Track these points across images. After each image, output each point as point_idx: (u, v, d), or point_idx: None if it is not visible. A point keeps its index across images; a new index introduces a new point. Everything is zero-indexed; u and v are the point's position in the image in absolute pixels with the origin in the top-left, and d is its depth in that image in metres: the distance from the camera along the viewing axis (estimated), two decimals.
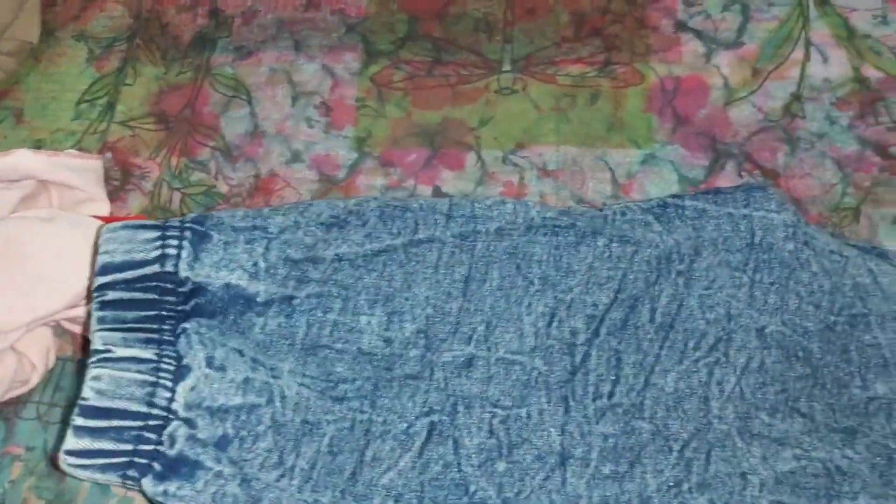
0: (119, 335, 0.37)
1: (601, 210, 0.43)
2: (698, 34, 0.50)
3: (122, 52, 0.54)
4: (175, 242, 0.39)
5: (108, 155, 0.50)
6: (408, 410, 0.39)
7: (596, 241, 0.41)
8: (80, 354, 0.45)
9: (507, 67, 0.51)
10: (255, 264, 0.40)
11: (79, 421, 0.36)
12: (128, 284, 0.38)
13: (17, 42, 0.52)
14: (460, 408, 0.40)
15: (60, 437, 0.42)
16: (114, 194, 0.49)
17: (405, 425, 0.39)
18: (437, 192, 0.48)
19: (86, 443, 0.36)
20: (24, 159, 0.45)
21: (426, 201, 0.42)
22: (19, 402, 0.43)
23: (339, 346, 0.40)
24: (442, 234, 0.41)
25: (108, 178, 0.49)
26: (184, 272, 0.38)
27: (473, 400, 0.40)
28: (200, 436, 0.36)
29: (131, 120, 0.51)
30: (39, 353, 0.43)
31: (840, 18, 0.50)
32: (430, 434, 0.39)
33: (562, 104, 0.49)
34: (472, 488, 0.38)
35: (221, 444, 0.36)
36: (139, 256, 0.38)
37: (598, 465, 0.38)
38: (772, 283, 0.40)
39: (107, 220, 0.45)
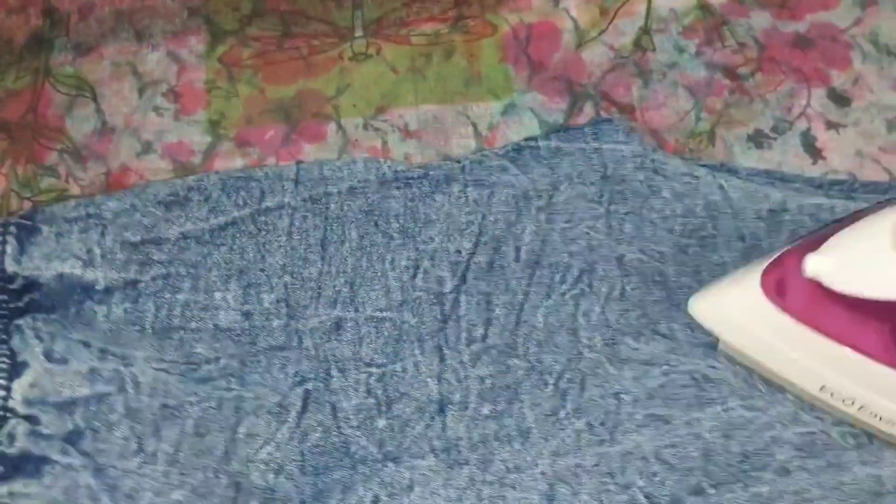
0: None
1: (458, 162, 0.43)
2: None
3: None
4: None
5: None
6: (280, 382, 0.39)
7: (451, 187, 0.41)
8: None
9: (359, 33, 0.50)
10: (90, 251, 0.38)
11: None
12: None
13: None
14: (334, 372, 0.39)
15: None
16: None
17: (279, 398, 0.38)
18: None
19: None
20: None
21: (272, 169, 0.41)
22: None
23: (193, 325, 0.39)
24: (292, 200, 0.41)
25: None
26: (10, 267, 0.37)
27: (347, 362, 0.39)
28: (45, 431, 0.35)
29: None
30: None
31: None
32: (305, 403, 0.38)
33: (417, 64, 0.49)
34: (353, 448, 0.38)
35: (71, 437, 0.35)
36: None
37: (476, 406, 0.38)
38: (627, 213, 0.41)
39: None
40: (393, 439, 0.38)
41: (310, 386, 0.39)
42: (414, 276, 0.40)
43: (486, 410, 0.39)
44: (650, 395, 0.38)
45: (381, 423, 0.38)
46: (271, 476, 0.37)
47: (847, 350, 0.35)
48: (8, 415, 0.35)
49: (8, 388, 0.35)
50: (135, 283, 0.39)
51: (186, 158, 0.47)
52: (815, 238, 0.35)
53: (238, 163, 0.47)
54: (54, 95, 0.49)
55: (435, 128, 0.47)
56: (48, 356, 0.36)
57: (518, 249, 0.40)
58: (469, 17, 0.50)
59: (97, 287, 0.38)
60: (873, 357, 0.35)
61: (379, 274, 0.40)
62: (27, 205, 0.46)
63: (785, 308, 0.36)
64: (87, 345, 0.37)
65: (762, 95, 0.46)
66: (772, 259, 0.36)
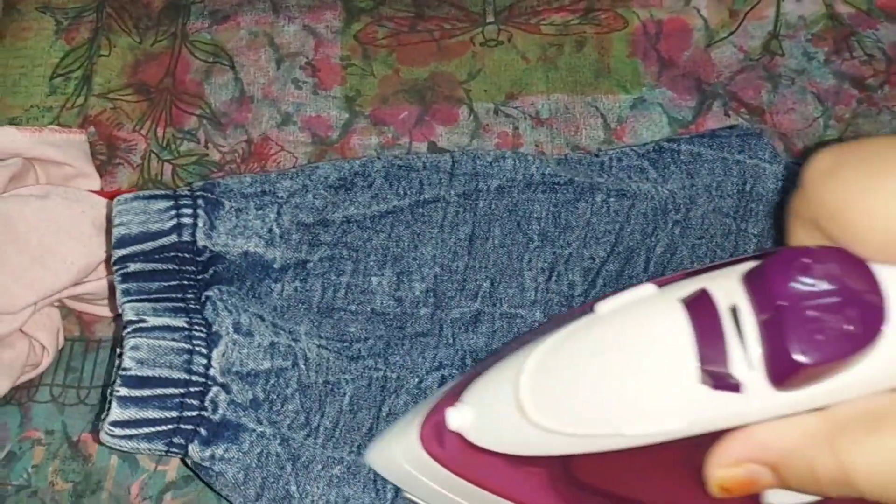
0: (148, 305, 0.37)
1: (597, 156, 0.44)
2: None
3: (91, 23, 0.52)
4: (189, 211, 0.38)
5: (91, 129, 0.49)
6: (419, 366, 0.40)
7: (594, 196, 0.42)
8: (88, 332, 0.44)
9: (490, 19, 0.51)
10: (270, 230, 0.39)
11: (122, 391, 0.35)
12: (146, 256, 0.37)
13: None
14: (468, 361, 0.41)
15: (101, 412, 0.42)
16: (101, 169, 0.47)
17: (417, 380, 0.40)
18: (433, 148, 0.48)
19: (131, 413, 0.35)
20: (8, 137, 0.43)
21: (429, 159, 0.42)
22: (31, 385, 0.43)
23: (352, 307, 0.41)
24: (446, 194, 0.42)
25: (93, 153, 0.47)
26: (201, 241, 0.38)
27: (480, 353, 0.41)
28: (237, 399, 0.36)
29: (110, 92, 0.50)
30: (49, 334, 0.42)
31: None
32: (440, 387, 0.40)
33: (548, 53, 0.50)
34: None
35: (254, 407, 0.37)
36: (155, 227, 0.38)
37: None
38: (756, 234, 0.42)
39: (102, 194, 0.44)
40: None
41: (446, 372, 0.41)
42: (549, 279, 0.42)
43: None
44: None
45: None
46: None
47: (501, 500, 0.33)
48: (210, 382, 0.36)
49: (208, 357, 0.36)
50: (304, 263, 0.40)
51: (325, 133, 0.48)
52: (461, 384, 0.33)
53: (374, 140, 0.48)
54: (192, 61, 0.51)
55: (566, 117, 0.48)
56: (236, 328, 0.37)
57: (648, 260, 0.42)
58: (599, 9, 0.51)
59: (275, 265, 0.39)
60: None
61: (517, 272, 0.42)
62: (167, 167, 0.48)
63: (443, 461, 0.33)
64: (262, 319, 0.38)
65: (890, 108, 0.47)
66: (430, 406, 0.34)
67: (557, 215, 0.42)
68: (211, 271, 0.38)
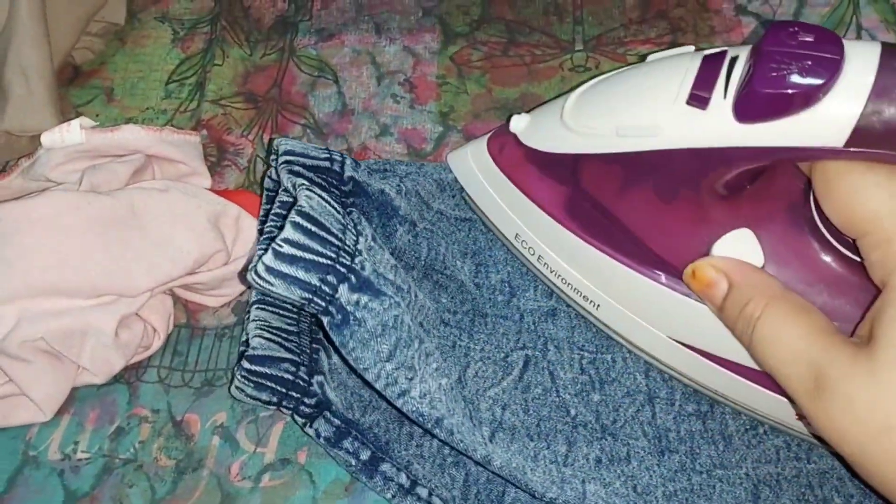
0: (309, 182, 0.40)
1: None
2: (758, 17, 0.54)
3: (205, 34, 0.56)
4: (338, 156, 0.42)
5: (204, 132, 0.52)
6: (503, 344, 0.43)
7: None
8: (194, 321, 0.47)
9: (579, 47, 0.54)
10: (399, 184, 0.44)
11: (297, 219, 0.36)
12: (304, 167, 0.41)
13: (104, 24, 0.54)
14: (550, 346, 0.43)
15: (186, 399, 0.44)
16: (211, 170, 0.51)
17: (503, 354, 0.43)
18: None
19: (300, 237, 0.36)
20: (133, 134, 0.47)
21: None
22: (140, 366, 0.45)
23: (448, 272, 0.44)
24: None
25: (205, 155, 0.51)
26: (348, 172, 0.42)
27: (562, 342, 0.44)
28: (379, 271, 0.38)
29: (222, 99, 0.53)
30: (161, 319, 0.45)
31: (888, 4, 0.54)
32: (525, 364, 0.43)
33: None
34: (573, 412, 0.42)
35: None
36: (313, 153, 0.42)
37: (681, 404, 0.42)
38: None
39: (220, 193, 0.47)
40: (608, 415, 0.42)
41: (529, 352, 0.43)
42: None
43: (690, 409, 0.42)
44: None
45: (596, 397, 0.42)
46: (498, 410, 0.41)
47: (531, 203, 0.41)
48: (357, 253, 0.37)
49: (357, 238, 0.38)
50: (415, 224, 0.44)
51: (419, 145, 0.51)
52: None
53: None
54: (298, 74, 0.54)
55: None
56: (374, 238, 0.39)
57: None
58: (683, 43, 0.54)
59: (400, 212, 0.43)
60: (547, 212, 0.40)
61: None
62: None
63: (497, 161, 0.42)
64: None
65: None
66: (503, 122, 0.43)
67: None
68: (351, 200, 0.42)
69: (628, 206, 0.39)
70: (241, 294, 0.47)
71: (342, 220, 0.38)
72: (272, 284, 0.35)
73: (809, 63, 0.30)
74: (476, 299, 0.44)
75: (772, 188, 0.36)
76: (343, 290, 0.36)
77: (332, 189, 0.41)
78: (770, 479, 0.41)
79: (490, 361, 0.43)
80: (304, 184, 0.39)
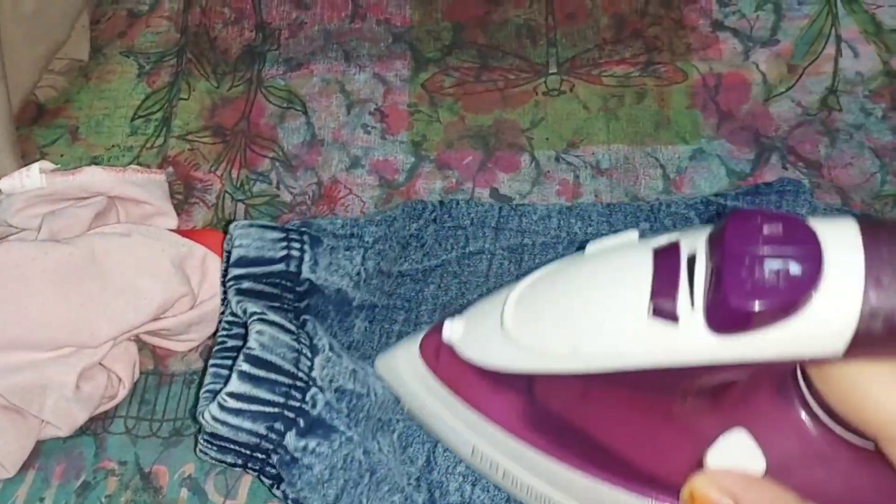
0: (265, 304, 0.39)
1: (648, 203, 0.46)
2: (735, 32, 0.53)
3: (171, 67, 0.54)
4: (298, 245, 0.41)
5: (170, 169, 0.51)
6: None
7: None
8: (162, 366, 0.46)
9: (553, 70, 0.53)
10: (359, 273, 0.42)
11: (244, 367, 0.37)
12: (256, 279, 0.40)
13: (67, 60, 0.53)
14: None
15: (154, 450, 0.43)
16: (178, 208, 0.49)
17: None
18: (495, 194, 0.49)
19: (247, 388, 0.37)
20: (95, 176, 0.45)
21: (477, 214, 0.46)
22: (106, 416, 0.44)
23: None
24: (491, 247, 0.45)
25: (171, 193, 0.49)
26: (306, 273, 0.41)
27: None
28: (332, 403, 0.38)
29: (188, 134, 0.52)
30: (126, 367, 0.44)
31: (867, 15, 0.52)
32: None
33: (609, 104, 0.51)
34: None
35: (344, 414, 0.38)
36: (269, 254, 0.41)
37: None
38: None
39: (182, 233, 0.46)
40: None
41: None
42: None
43: None
44: None
45: None
46: (468, 488, 0.40)
47: (486, 420, 0.36)
48: (311, 383, 0.38)
49: (312, 360, 0.38)
50: (374, 307, 0.43)
51: (391, 176, 0.50)
52: (465, 305, 0.37)
53: (438, 185, 0.50)
54: (266, 106, 0.53)
55: (625, 168, 0.50)
56: (331, 348, 0.39)
57: None
58: (660, 62, 0.52)
59: (354, 304, 0.42)
60: (506, 428, 0.35)
61: None
62: (240, 207, 0.50)
63: (436, 372, 0.37)
64: (347, 348, 0.40)
65: None
66: (433, 325, 0.37)
67: None
68: (305, 303, 0.41)
69: (600, 418, 0.34)
70: (209, 338, 0.46)
71: (297, 346, 0.38)
72: (219, 430, 0.37)
73: (786, 264, 0.25)
74: None
75: (758, 375, 0.31)
76: (290, 437, 0.37)
77: (286, 296, 0.40)
78: None
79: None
80: (255, 314, 0.38)
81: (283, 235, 0.41)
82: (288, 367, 0.37)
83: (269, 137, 0.52)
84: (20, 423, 0.41)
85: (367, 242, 0.42)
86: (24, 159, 0.49)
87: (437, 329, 0.37)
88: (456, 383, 0.36)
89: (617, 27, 0.54)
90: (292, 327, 0.38)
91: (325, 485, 0.37)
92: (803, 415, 0.30)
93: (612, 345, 0.30)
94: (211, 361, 0.40)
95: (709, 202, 0.46)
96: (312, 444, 0.37)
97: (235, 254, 0.40)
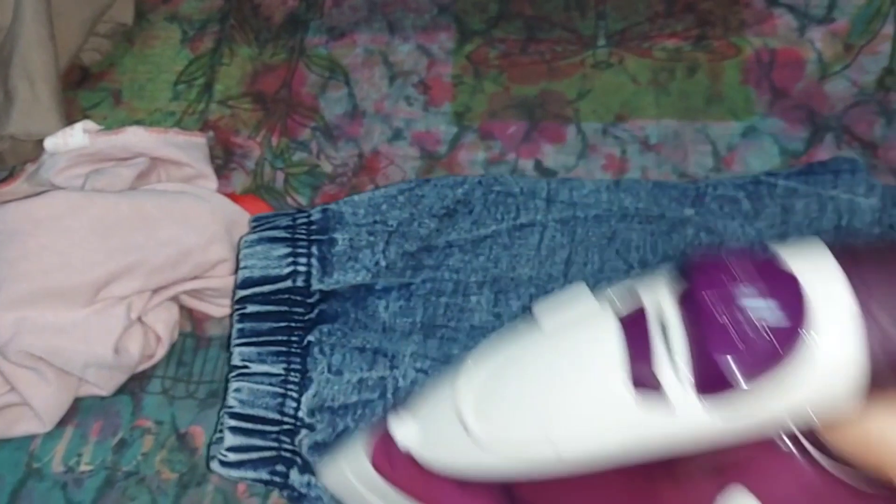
0: (255, 350, 0.41)
1: (695, 182, 0.45)
2: (790, 9, 0.51)
3: (215, 34, 0.54)
4: (304, 260, 0.42)
5: (211, 133, 0.51)
6: None
7: (685, 229, 0.43)
8: (199, 330, 0.45)
9: (602, 42, 0.52)
10: (377, 263, 0.43)
11: (231, 423, 0.39)
12: (264, 297, 0.42)
13: (112, 24, 0.53)
14: None
15: (190, 411, 0.43)
16: (217, 172, 0.49)
17: None
18: (539, 167, 0.48)
19: (240, 440, 0.39)
20: (137, 137, 0.45)
21: (527, 185, 0.45)
22: (144, 377, 0.44)
23: (452, 324, 0.43)
24: (543, 219, 0.44)
25: (211, 156, 0.49)
26: (315, 286, 0.42)
27: None
28: (318, 438, 0.39)
29: (229, 99, 0.52)
30: (166, 327, 0.44)
31: None
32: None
33: (660, 78, 0.50)
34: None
35: (342, 437, 0.39)
36: (274, 272, 0.42)
37: None
38: None
39: (234, 198, 0.45)
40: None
41: None
42: None
43: None
44: None
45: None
46: None
47: None
48: (298, 424, 0.40)
49: (298, 401, 0.40)
50: (408, 285, 0.43)
51: (433, 147, 0.49)
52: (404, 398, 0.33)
53: (480, 156, 0.49)
54: (308, 75, 0.52)
55: (674, 143, 0.48)
56: (329, 368, 0.41)
57: None
58: (712, 37, 0.51)
59: (377, 287, 0.42)
60: None
61: None
62: (279, 175, 0.50)
63: (394, 481, 0.32)
64: (362, 350, 0.41)
65: None
66: (381, 422, 0.32)
67: (655, 245, 0.44)
68: (317, 311, 0.42)
69: None
70: None
71: (281, 390, 0.40)
72: (231, 477, 0.39)
73: (767, 303, 0.22)
74: (493, 333, 0.42)
75: None
76: (293, 474, 0.39)
77: (295, 310, 0.42)
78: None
79: None
80: (235, 368, 0.40)
81: (289, 251, 0.42)
82: (272, 415, 0.40)
83: (311, 107, 0.51)
84: (61, 378, 0.41)
85: (391, 226, 0.43)
86: (69, 121, 0.49)
87: (383, 437, 0.31)
88: (420, 489, 0.31)
89: (669, 0, 0.53)
90: (279, 369, 0.40)
91: None
92: (801, 460, 0.27)
93: (593, 437, 0.26)
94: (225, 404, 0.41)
95: (759, 181, 0.45)
96: (314, 479, 0.39)
97: (241, 276, 0.42)
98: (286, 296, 0.42)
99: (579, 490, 0.29)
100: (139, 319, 0.43)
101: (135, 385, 0.44)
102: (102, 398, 0.43)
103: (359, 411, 0.40)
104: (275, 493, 0.40)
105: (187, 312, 0.46)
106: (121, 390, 0.43)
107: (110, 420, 0.43)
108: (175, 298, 0.45)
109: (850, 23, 0.51)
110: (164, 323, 0.44)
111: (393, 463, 0.31)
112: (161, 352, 0.44)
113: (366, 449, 0.32)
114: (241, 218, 0.45)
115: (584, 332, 0.27)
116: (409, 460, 0.30)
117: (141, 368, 0.44)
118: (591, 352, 0.26)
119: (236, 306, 0.41)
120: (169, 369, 0.44)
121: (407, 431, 0.30)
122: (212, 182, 0.48)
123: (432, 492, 0.31)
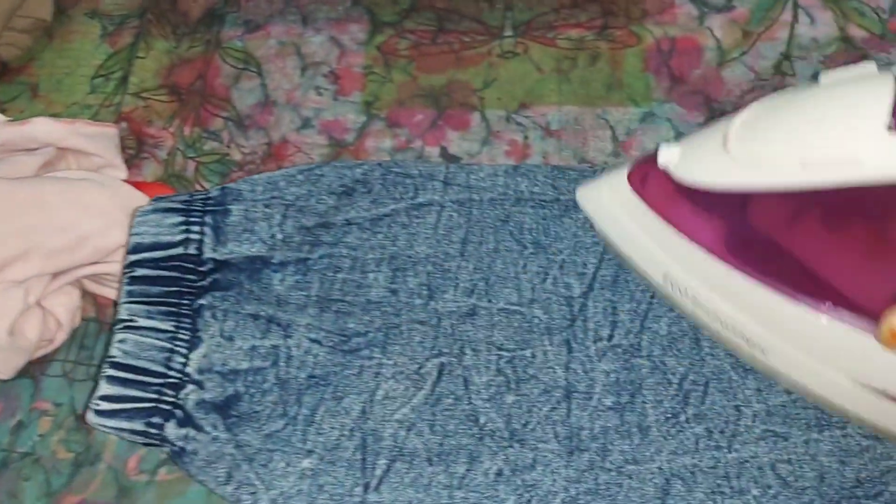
0: (143, 308, 0.41)
1: (592, 168, 0.46)
2: None
3: (134, 29, 0.55)
4: (197, 228, 0.43)
5: (124, 125, 0.51)
6: (418, 353, 0.42)
7: (578, 213, 0.45)
8: (102, 316, 0.46)
9: (508, 33, 0.53)
10: (273, 236, 0.43)
11: (110, 371, 0.40)
12: (155, 263, 0.42)
13: (30, 20, 0.54)
14: (467, 350, 0.42)
15: (89, 394, 0.44)
16: (129, 162, 0.50)
17: (416, 366, 0.42)
18: (444, 153, 0.49)
19: (116, 389, 0.39)
20: (43, 126, 0.46)
21: (425, 167, 0.46)
22: (45, 360, 0.45)
23: (349, 298, 0.43)
24: (440, 199, 0.45)
25: (123, 147, 0.50)
26: (208, 254, 0.43)
27: (479, 344, 0.42)
28: (206, 396, 0.40)
29: (144, 91, 0.53)
30: (67, 311, 0.44)
31: None
32: (440, 374, 0.42)
33: (563, 66, 0.51)
34: (483, 419, 0.40)
35: (230, 400, 0.40)
36: (165, 239, 0.43)
37: (600, 397, 0.41)
38: None
39: (135, 184, 0.46)
40: (520, 417, 0.40)
41: (445, 359, 0.42)
42: (544, 280, 0.43)
43: (609, 402, 0.41)
44: (770, 412, 0.39)
45: (510, 398, 0.41)
46: (402, 433, 0.40)
47: (685, 240, 0.37)
48: (185, 379, 0.40)
49: (187, 357, 0.41)
50: (305, 260, 0.43)
51: (341, 136, 0.50)
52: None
53: (387, 143, 0.50)
54: (223, 67, 0.53)
55: (574, 129, 0.49)
56: (220, 334, 0.41)
57: None
58: (615, 26, 0.52)
59: (273, 261, 0.43)
60: (706, 249, 0.37)
61: (511, 275, 0.44)
62: (191, 164, 0.50)
63: (643, 196, 0.38)
64: (255, 317, 0.42)
65: None
66: (647, 153, 0.39)
67: (547, 227, 0.45)
68: (210, 279, 0.42)
69: (809, 241, 0.34)
70: None
71: (168, 345, 0.40)
72: (105, 429, 0.39)
73: None
74: (388, 312, 0.43)
75: None
76: (170, 427, 0.39)
77: (187, 277, 0.42)
78: (684, 472, 0.39)
79: (403, 377, 0.42)
80: (121, 321, 0.41)
81: (182, 219, 0.43)
82: (156, 367, 0.40)
83: (224, 97, 0.52)
84: None
85: (288, 200, 0.43)
86: None
87: (646, 159, 0.39)
88: (663, 207, 0.38)
89: None
90: (168, 326, 0.41)
91: (214, 465, 0.39)
92: None
93: (844, 158, 0.30)
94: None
95: None
96: (193, 433, 0.39)
97: (131, 242, 0.42)
98: (177, 263, 0.42)
99: (802, 222, 0.34)
100: (38, 304, 0.43)
101: (35, 368, 0.44)
102: (3, 382, 0.44)
103: (250, 378, 0.41)
104: (163, 469, 0.41)
105: (91, 297, 0.46)
106: (21, 374, 0.44)
107: (9, 403, 0.44)
108: (77, 283, 0.45)
109: (750, 10, 0.52)
110: (65, 307, 0.44)
111: (647, 181, 0.38)
112: (62, 336, 0.44)
113: (625, 171, 0.40)
114: (143, 204, 0.45)
115: (859, 84, 0.31)
116: (663, 178, 0.37)
117: (41, 353, 0.44)
118: (859, 95, 0.31)
119: (126, 270, 0.42)
120: (70, 353, 0.45)
121: (670, 153, 0.37)
122: (121, 171, 0.49)
123: (672, 209, 0.38)
